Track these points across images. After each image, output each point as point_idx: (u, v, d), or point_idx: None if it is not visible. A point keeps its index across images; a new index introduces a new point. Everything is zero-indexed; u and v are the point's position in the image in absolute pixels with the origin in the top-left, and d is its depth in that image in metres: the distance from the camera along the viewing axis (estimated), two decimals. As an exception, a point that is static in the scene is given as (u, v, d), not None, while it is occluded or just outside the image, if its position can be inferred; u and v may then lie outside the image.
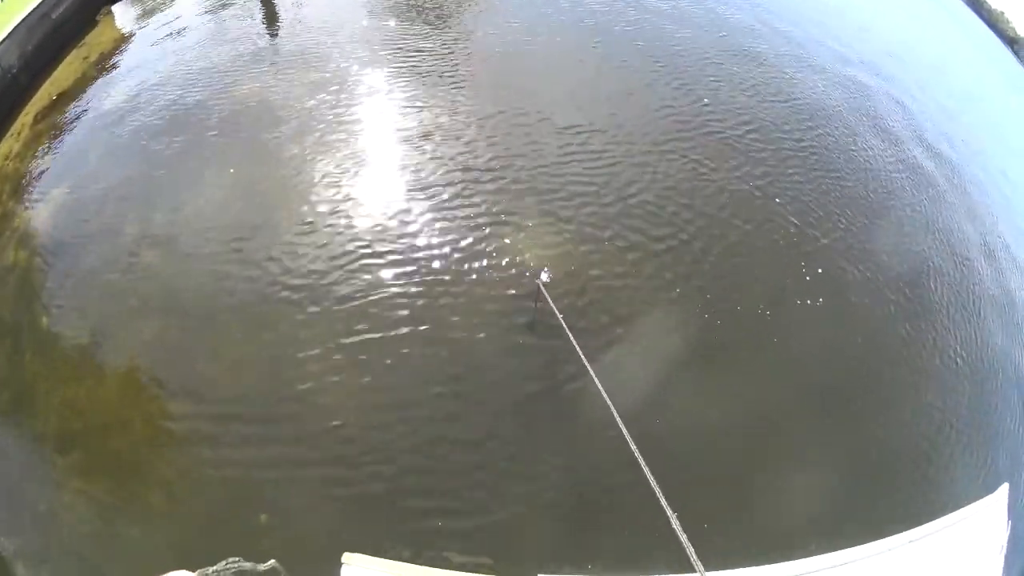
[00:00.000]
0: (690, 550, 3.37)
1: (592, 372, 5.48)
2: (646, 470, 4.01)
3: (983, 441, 8.56)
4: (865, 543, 5.08)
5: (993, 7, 36.28)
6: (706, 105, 11.07)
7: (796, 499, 6.87)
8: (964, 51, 25.63)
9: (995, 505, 6.06)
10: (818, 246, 9.43)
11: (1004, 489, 6.33)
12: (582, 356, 5.86)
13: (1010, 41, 33.77)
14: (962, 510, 5.83)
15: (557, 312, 6.76)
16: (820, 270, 9.06)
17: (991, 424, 8.84)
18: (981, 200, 12.71)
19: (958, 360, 9.12)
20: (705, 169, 9.84)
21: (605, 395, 5.06)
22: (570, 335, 6.26)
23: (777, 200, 9.78)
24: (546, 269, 8.08)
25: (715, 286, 8.55)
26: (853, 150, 11.52)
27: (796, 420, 7.87)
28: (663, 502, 3.67)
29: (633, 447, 4.22)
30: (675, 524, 3.56)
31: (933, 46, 21.76)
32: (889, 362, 8.68)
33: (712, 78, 11.84)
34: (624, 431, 4.53)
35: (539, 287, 7.64)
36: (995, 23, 34.63)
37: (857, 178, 10.92)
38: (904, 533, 5.27)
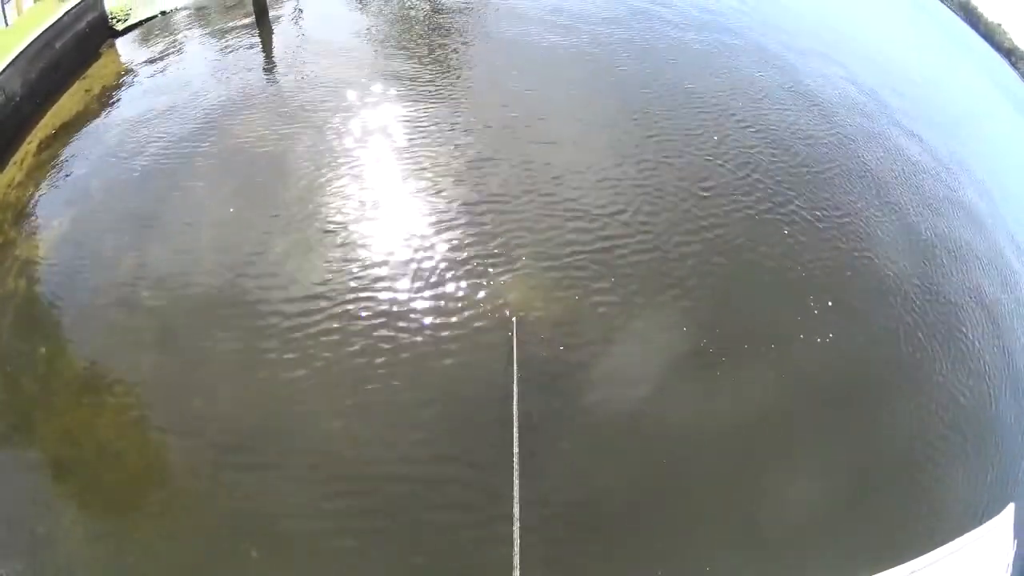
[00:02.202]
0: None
1: (516, 413, 5.48)
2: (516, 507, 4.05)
3: (990, 461, 8.41)
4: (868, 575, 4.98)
5: (990, 20, 36.61)
6: (714, 140, 11.09)
7: (801, 529, 6.77)
8: (963, 64, 25.78)
9: (1001, 526, 5.95)
10: (824, 263, 9.40)
11: (1010, 509, 6.23)
12: (515, 398, 5.88)
13: (1007, 52, 34.05)
14: (968, 534, 5.72)
15: (514, 350, 6.95)
16: (830, 302, 8.98)
17: (998, 443, 8.69)
18: (988, 212, 12.70)
19: (964, 381, 8.99)
20: (704, 203, 9.87)
21: (516, 434, 5.10)
22: (515, 374, 6.37)
23: (782, 214, 9.78)
24: (521, 311, 8.11)
25: (718, 301, 8.54)
26: (860, 165, 11.55)
27: (798, 450, 7.74)
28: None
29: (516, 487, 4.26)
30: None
31: (932, 63, 21.90)
32: (893, 385, 8.56)
33: (719, 113, 11.88)
34: (515, 468, 4.59)
35: (514, 324, 7.79)
36: (991, 35, 34.91)
37: (863, 192, 10.93)
38: (909, 563, 5.17)
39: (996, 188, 14.44)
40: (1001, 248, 12.17)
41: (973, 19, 36.76)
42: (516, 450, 4.99)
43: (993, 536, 5.81)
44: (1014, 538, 5.91)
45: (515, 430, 5.27)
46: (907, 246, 10.45)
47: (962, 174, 13.70)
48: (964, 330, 9.70)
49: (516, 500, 4.17)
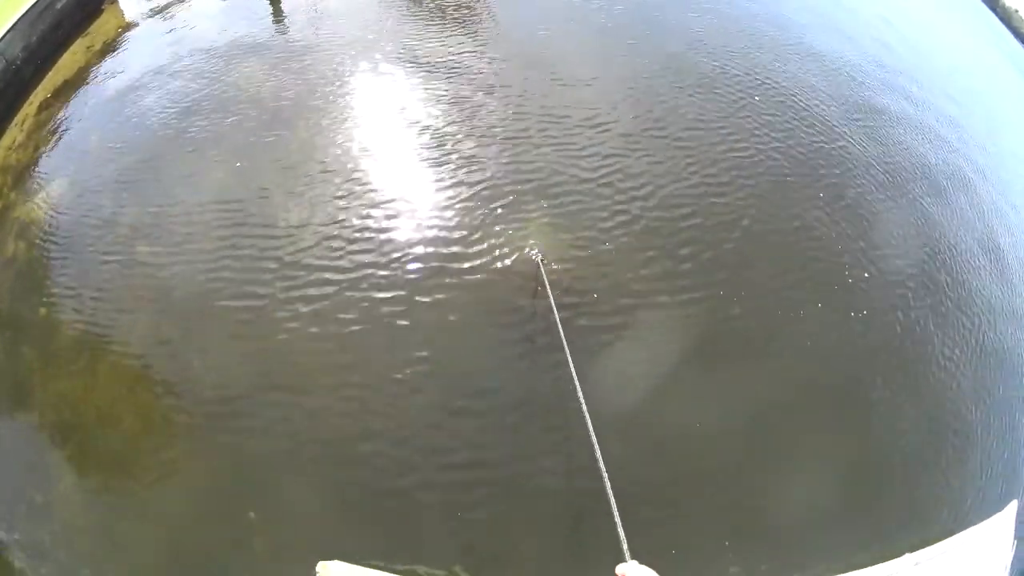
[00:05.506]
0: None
1: (572, 368, 5.25)
2: (606, 482, 3.92)
3: (993, 456, 8.31)
4: (866, 567, 4.93)
5: (1008, 4, 35.71)
6: (757, 100, 10.46)
7: (796, 519, 6.70)
8: (983, 52, 25.12)
9: (1003, 524, 5.90)
10: (829, 248, 9.14)
11: (1013, 506, 6.17)
12: (566, 349, 5.64)
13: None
14: (969, 530, 5.68)
15: (551, 296, 6.55)
16: (831, 288, 8.61)
17: (1003, 437, 8.58)
18: (1000, 207, 12.38)
19: (969, 372, 8.84)
20: (728, 175, 9.42)
21: (581, 397, 4.87)
22: (558, 323, 6.06)
23: (791, 200, 9.48)
24: (542, 250, 7.70)
25: (725, 283, 8.25)
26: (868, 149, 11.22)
27: (802, 440, 7.51)
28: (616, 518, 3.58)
29: (598, 456, 4.10)
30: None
31: (955, 51, 21.25)
32: (891, 378, 8.29)
33: (750, 85, 11.29)
34: (592, 437, 4.40)
35: (539, 265, 7.36)
36: (1008, 20, 34.04)
37: (873, 180, 10.61)
38: (909, 555, 5.13)
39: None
40: (1014, 245, 11.86)
41: (991, 1, 35.80)
42: (583, 405, 4.78)
43: (994, 534, 5.76)
44: (1015, 537, 5.86)
45: (576, 384, 5.01)
46: (919, 243, 10.14)
47: (988, 166, 13.28)
48: (973, 322, 9.50)
49: (601, 463, 4.09)
